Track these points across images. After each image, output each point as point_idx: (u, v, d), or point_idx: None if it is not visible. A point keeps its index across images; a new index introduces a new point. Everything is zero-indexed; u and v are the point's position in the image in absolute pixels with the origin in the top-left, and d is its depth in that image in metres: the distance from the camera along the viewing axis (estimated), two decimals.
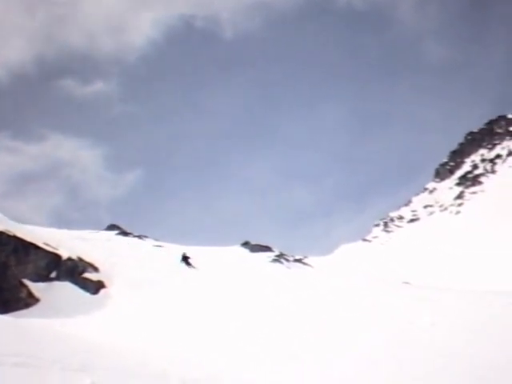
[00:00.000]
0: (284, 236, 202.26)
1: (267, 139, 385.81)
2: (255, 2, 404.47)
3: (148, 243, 42.48)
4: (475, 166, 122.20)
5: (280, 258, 46.20)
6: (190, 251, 36.42)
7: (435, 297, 24.18)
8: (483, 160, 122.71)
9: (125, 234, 46.08)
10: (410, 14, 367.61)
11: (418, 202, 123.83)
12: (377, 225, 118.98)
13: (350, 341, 16.98)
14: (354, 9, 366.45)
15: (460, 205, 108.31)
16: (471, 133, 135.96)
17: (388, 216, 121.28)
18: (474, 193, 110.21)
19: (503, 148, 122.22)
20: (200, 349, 16.92)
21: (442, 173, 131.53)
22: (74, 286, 26.09)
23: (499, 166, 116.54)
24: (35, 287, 24.30)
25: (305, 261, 56.37)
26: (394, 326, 18.38)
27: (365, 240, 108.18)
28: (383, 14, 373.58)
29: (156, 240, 45.30)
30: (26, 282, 24.21)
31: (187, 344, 17.58)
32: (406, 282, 41.68)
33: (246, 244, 50.68)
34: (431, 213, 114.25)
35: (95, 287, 26.44)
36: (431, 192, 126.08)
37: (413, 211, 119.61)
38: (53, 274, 26.13)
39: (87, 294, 25.80)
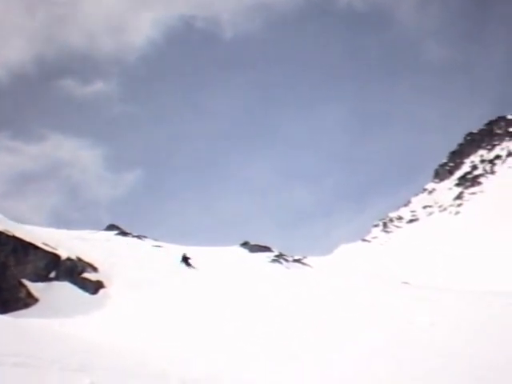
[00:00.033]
0: (284, 236, 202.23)
1: (267, 139, 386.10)
2: (255, 3, 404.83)
3: (147, 243, 42.47)
4: (474, 167, 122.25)
5: (279, 258, 46.21)
6: (189, 251, 36.40)
7: (434, 297, 24.18)
8: (482, 161, 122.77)
9: (124, 234, 46.07)
10: (410, 14, 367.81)
11: (418, 202, 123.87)
12: (376, 225, 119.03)
13: (349, 341, 16.97)
14: (354, 10, 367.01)
15: (459, 205, 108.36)
16: (471, 133, 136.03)
17: (387, 216, 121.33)
18: (473, 193, 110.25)
19: (503, 149, 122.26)
20: (200, 349, 16.91)
21: (442, 173, 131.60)
22: (73, 286, 26.08)
23: (498, 166, 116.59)
24: (34, 287, 24.28)
25: (304, 261, 56.39)
26: (394, 326, 18.37)
27: (364, 240, 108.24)
28: (383, 14, 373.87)
29: (155, 240, 45.30)
30: (25, 282, 24.18)
31: (187, 344, 17.57)
32: (406, 282, 41.68)
33: (245, 244, 50.68)
34: (430, 213, 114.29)
35: (94, 287, 26.42)
36: (430, 192, 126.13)
37: (412, 212, 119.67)
38: (52, 274, 26.11)
39: (86, 294, 25.78)
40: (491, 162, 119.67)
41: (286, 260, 46.81)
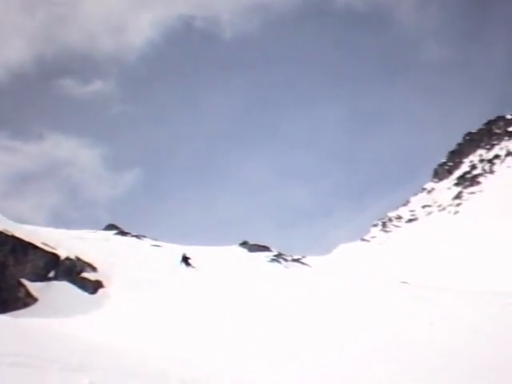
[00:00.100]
0: (283, 236, 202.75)
1: (266, 139, 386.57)
2: (254, 3, 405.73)
3: (146, 243, 42.49)
4: (473, 167, 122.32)
5: (278, 257, 46.27)
6: (188, 251, 36.38)
7: (434, 296, 24.17)
8: (481, 160, 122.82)
9: (123, 233, 46.11)
10: (410, 13, 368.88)
11: (417, 202, 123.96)
12: (375, 225, 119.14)
13: (349, 340, 16.97)
14: (354, 9, 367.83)
15: (458, 205, 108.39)
16: (470, 133, 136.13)
17: (386, 216, 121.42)
18: (472, 193, 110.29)
19: (501, 148, 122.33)
20: (200, 349, 16.90)
21: (441, 173, 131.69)
22: (72, 286, 26.05)
23: (497, 166, 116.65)
24: (33, 287, 24.26)
25: (303, 260, 56.46)
26: (394, 326, 18.37)
27: (363, 240, 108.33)
28: (383, 14, 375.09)
29: (154, 240, 45.32)
30: (25, 281, 24.16)
31: (187, 344, 17.56)
32: (405, 282, 41.69)
33: (244, 244, 50.73)
34: (429, 213, 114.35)
35: (93, 287, 26.40)
36: (429, 192, 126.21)
37: (411, 211, 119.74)
38: (51, 274, 26.10)
39: (85, 294, 25.76)
40: (490, 161, 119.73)
41: (285, 259, 46.86)
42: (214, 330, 19.25)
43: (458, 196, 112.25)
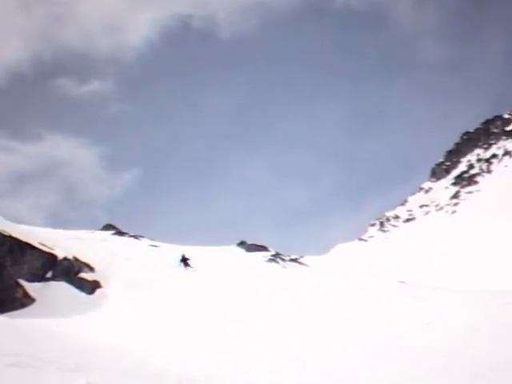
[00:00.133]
0: (280, 235, 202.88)
1: (264, 138, 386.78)
2: (251, 2, 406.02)
3: (144, 243, 42.49)
4: (471, 166, 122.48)
5: (276, 257, 46.30)
6: (186, 251, 36.37)
7: (431, 296, 24.20)
8: (479, 160, 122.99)
9: (121, 233, 46.10)
10: (407, 13, 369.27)
11: (414, 201, 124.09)
12: (373, 224, 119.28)
13: (350, 341, 16.97)
14: (351, 9, 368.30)
15: (456, 204, 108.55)
16: (467, 132, 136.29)
17: (384, 215, 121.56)
18: (469, 192, 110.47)
19: (499, 148, 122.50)
20: (199, 349, 16.88)
21: (438, 172, 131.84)
22: (69, 286, 26.05)
23: (495, 165, 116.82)
24: (31, 287, 24.25)
25: (301, 260, 56.52)
26: (394, 326, 18.38)
27: (361, 239, 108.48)
28: (380, 13, 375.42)
29: (152, 240, 45.32)
30: (22, 282, 24.15)
31: (186, 344, 17.54)
32: (402, 281, 41.73)
33: (242, 244, 50.77)
34: (427, 212, 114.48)
35: (91, 287, 26.40)
36: (427, 192, 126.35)
37: (409, 211, 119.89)
38: (48, 274, 26.08)
39: (83, 294, 25.76)
40: (488, 161, 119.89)
41: (283, 259, 46.90)
42: (213, 330, 19.23)
43: (456, 195, 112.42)
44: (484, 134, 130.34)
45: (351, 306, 22.35)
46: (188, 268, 33.14)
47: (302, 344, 16.95)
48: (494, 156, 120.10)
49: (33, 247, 26.14)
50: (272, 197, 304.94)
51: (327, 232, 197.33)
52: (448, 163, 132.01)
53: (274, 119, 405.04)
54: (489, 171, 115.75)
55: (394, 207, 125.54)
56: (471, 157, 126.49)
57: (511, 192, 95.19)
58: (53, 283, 25.75)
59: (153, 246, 41.61)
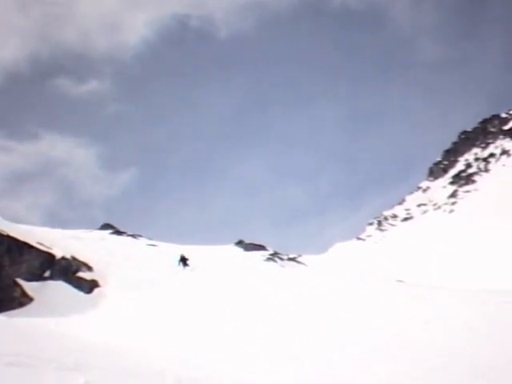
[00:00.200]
0: (278, 234, 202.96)
1: (261, 138, 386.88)
2: (249, 2, 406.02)
3: (142, 242, 42.50)
4: (469, 165, 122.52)
5: (274, 256, 46.30)
6: (184, 250, 36.38)
7: (429, 295, 24.21)
8: (477, 159, 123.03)
9: (119, 233, 46.11)
10: (404, 12, 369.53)
11: (412, 200, 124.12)
12: (371, 223, 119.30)
13: (349, 340, 16.96)
14: (349, 8, 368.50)
15: (453, 203, 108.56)
16: (465, 132, 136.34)
17: (382, 215, 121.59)
18: (467, 191, 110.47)
19: (497, 147, 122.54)
20: (198, 348, 16.88)
21: (436, 171, 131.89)
22: (67, 286, 26.05)
23: (493, 164, 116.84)
24: (29, 286, 24.24)
25: (299, 259, 56.49)
26: (392, 325, 18.37)
27: (359, 238, 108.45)
28: (378, 12, 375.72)
29: (150, 239, 45.33)
30: (20, 281, 24.15)
31: (184, 343, 17.53)
32: (400, 281, 41.77)
33: (240, 243, 50.78)
34: (425, 211, 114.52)
35: (89, 286, 26.40)
36: (425, 191, 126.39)
37: (406, 210, 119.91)
38: (46, 274, 26.08)
39: (81, 294, 25.75)
40: (485, 160, 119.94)
41: (281, 258, 46.89)
42: (212, 330, 19.22)
43: (454, 195, 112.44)
44: (482, 133, 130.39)
45: (349, 305, 22.36)
46: (186, 267, 33.12)
47: (300, 343, 16.95)
48: (492, 155, 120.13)
49: (31, 246, 26.13)
50: (270, 196, 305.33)
51: (325, 231, 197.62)
52: (446, 162, 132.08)
53: (272, 119, 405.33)
54: (486, 170, 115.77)
55: (392, 206, 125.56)
56: (469, 156, 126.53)
57: (509, 191, 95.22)
58: (51, 282, 25.75)
59: (151, 245, 41.61)
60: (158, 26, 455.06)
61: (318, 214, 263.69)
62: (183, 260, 33.61)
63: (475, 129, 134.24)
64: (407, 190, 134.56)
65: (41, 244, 27.14)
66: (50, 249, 27.41)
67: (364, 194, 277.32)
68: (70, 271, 26.93)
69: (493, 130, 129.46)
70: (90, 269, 27.98)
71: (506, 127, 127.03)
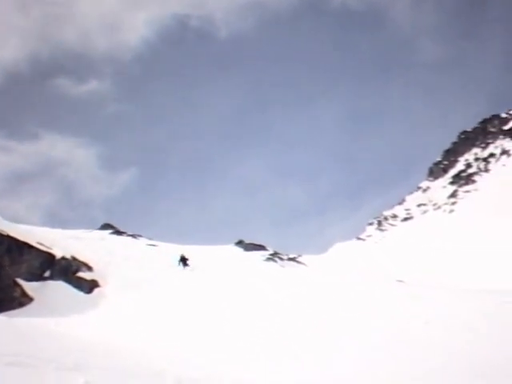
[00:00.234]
0: (278, 234, 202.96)
1: (261, 138, 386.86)
2: (249, 2, 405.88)
3: (142, 242, 42.50)
4: (469, 165, 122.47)
5: (274, 256, 46.33)
6: (184, 250, 36.38)
7: (429, 295, 24.21)
8: (477, 159, 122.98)
9: (119, 233, 46.14)
10: (405, 12, 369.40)
11: (412, 200, 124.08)
12: (371, 223, 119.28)
13: (349, 340, 16.96)
14: (349, 8, 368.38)
15: (453, 203, 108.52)
16: (465, 132, 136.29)
17: (382, 215, 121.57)
18: (467, 191, 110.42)
19: (496, 147, 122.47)
20: (198, 348, 16.87)
21: (436, 171, 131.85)
22: (67, 286, 26.04)
23: (493, 164, 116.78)
24: (29, 286, 24.24)
25: (299, 259, 56.49)
26: (392, 325, 18.38)
27: (359, 238, 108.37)
28: (378, 12, 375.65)
29: (150, 239, 45.34)
30: (20, 281, 24.14)
31: (185, 343, 17.52)
32: (400, 281, 41.80)
33: (239, 243, 50.81)
34: (425, 211, 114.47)
35: (89, 286, 26.38)
36: (425, 191, 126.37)
37: (406, 210, 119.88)
38: (46, 274, 26.07)
39: (81, 294, 25.74)
40: (485, 160, 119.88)
41: (281, 258, 46.92)
42: (212, 330, 19.22)
43: (454, 195, 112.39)
44: (482, 133, 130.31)
45: (349, 305, 22.36)
46: (186, 267, 33.11)
47: (300, 343, 16.95)
48: (492, 155, 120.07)
49: (31, 246, 26.13)
50: (270, 196, 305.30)
51: (325, 231, 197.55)
52: (446, 162, 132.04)
53: (272, 118, 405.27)
54: (486, 170, 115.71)
55: (392, 206, 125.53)
56: (469, 156, 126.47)
57: (509, 191, 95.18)
58: (51, 282, 25.74)
59: (151, 245, 41.61)
60: (158, 25, 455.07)
61: (317, 213, 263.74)
62: (183, 260, 33.59)
63: (475, 129, 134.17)
64: (407, 189, 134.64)
65: (41, 244, 27.14)
66: (50, 249, 27.41)
67: (364, 193, 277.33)
68: (70, 271, 26.92)
69: (493, 129, 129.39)
70: (89, 269, 27.97)
71: (506, 127, 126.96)
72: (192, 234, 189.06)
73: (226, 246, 50.14)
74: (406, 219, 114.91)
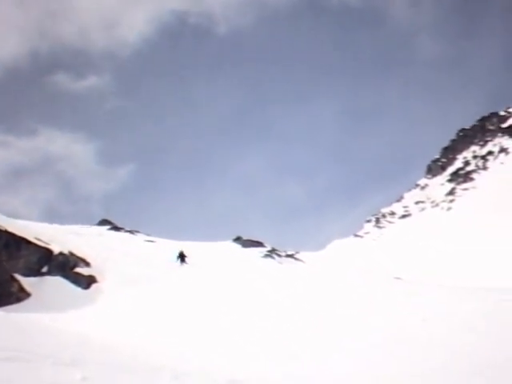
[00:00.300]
0: (276, 231, 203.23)
1: (260, 135, 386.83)
2: None
3: (140, 238, 42.46)
4: (467, 163, 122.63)
5: (272, 253, 46.27)
6: (182, 246, 36.34)
7: (426, 292, 24.22)
8: (475, 156, 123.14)
9: (116, 228, 46.07)
10: (403, 9, 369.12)
11: (410, 198, 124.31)
12: (369, 220, 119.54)
13: (347, 338, 16.93)
14: (348, 6, 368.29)
15: (451, 201, 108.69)
16: (463, 129, 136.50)
17: (380, 212, 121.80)
18: (465, 189, 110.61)
19: (495, 145, 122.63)
20: (196, 344, 16.86)
21: (434, 169, 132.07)
22: (65, 281, 26.01)
23: (491, 162, 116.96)
24: (26, 282, 24.20)
25: (297, 256, 56.52)
26: (390, 323, 18.36)
27: (357, 235, 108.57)
28: (377, 10, 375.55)
29: (147, 235, 45.30)
30: (18, 276, 24.10)
31: (181, 339, 17.52)
32: (398, 278, 41.82)
33: (237, 239, 50.76)
34: (423, 209, 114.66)
35: (87, 282, 26.35)
36: (423, 188, 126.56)
37: (404, 207, 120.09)
38: (44, 269, 26.04)
39: (79, 289, 25.71)
40: (483, 157, 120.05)
41: (279, 255, 46.87)
42: (210, 326, 19.21)
43: (452, 192, 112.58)
44: (480, 131, 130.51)
45: (347, 302, 22.37)
46: (184, 264, 33.09)
47: (297, 340, 16.94)
48: (490, 153, 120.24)
49: (28, 242, 26.10)
50: (269, 193, 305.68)
51: (323, 228, 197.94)
52: (444, 160, 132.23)
53: (270, 116, 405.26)
54: (484, 168, 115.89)
55: (390, 203, 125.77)
56: (467, 154, 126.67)
57: (507, 189, 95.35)
58: (48, 278, 25.72)
59: (149, 241, 41.58)
60: (157, 22, 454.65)
61: (316, 211, 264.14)
62: (181, 256, 33.56)
63: (474, 126, 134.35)
64: (405, 187, 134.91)
65: (38, 239, 27.11)
66: (48, 244, 27.38)
67: (362, 191, 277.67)
68: (67, 267, 26.89)
69: (491, 127, 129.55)
70: (87, 264, 27.94)
71: (505, 125, 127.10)
72: (190, 230, 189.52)
73: (224, 242, 50.09)
74: (403, 216, 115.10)
